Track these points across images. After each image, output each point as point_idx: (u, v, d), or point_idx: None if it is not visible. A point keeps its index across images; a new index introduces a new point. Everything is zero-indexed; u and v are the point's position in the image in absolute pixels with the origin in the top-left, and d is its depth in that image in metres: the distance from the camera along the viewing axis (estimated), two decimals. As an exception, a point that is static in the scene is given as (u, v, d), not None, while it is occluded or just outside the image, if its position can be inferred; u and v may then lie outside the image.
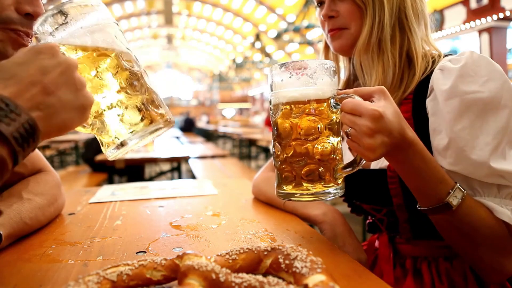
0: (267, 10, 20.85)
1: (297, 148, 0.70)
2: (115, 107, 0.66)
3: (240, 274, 0.45)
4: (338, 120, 0.72)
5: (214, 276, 0.45)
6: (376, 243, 1.03)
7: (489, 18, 9.67)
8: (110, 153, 0.68)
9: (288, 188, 0.73)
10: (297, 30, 11.98)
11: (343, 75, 1.09)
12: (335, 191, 0.72)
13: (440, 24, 11.26)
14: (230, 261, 0.52)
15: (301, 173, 0.70)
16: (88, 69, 0.64)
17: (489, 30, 9.84)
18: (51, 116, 0.51)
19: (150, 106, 0.68)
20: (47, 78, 0.52)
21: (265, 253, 0.53)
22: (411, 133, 0.69)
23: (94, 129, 0.67)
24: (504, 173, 0.74)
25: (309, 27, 11.00)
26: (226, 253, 0.54)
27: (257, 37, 18.41)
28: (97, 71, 0.65)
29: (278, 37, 13.30)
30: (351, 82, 1.07)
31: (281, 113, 0.72)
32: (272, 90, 0.74)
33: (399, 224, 0.93)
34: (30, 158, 0.95)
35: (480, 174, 0.76)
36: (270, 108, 0.75)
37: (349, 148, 0.80)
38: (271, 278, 0.44)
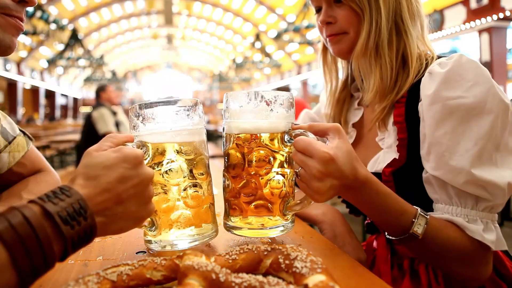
0: (267, 10, 20.84)
1: (247, 181, 0.69)
2: (171, 211, 0.68)
3: (240, 274, 0.45)
4: (291, 154, 0.70)
5: (214, 276, 0.45)
6: (374, 244, 1.03)
7: (489, 18, 9.67)
8: (153, 247, 0.69)
9: (235, 221, 0.72)
10: (297, 30, 11.99)
11: (341, 75, 1.09)
12: (283, 227, 0.71)
13: (440, 24, 11.26)
14: (230, 261, 0.52)
15: (250, 207, 0.70)
16: (160, 167, 0.67)
17: (489, 30, 9.83)
18: (111, 223, 0.54)
19: (203, 216, 0.70)
20: (121, 187, 0.55)
21: (265, 253, 0.53)
22: (364, 171, 0.68)
23: (144, 227, 0.68)
24: (485, 183, 0.73)
25: (309, 27, 11.01)
26: (226, 253, 0.54)
27: (257, 37, 18.41)
28: (167, 173, 0.67)
29: (278, 37, 13.30)
30: (349, 83, 1.07)
31: (232, 144, 0.70)
32: (225, 118, 0.72)
33: None
34: (30, 158, 0.95)
35: (458, 181, 0.74)
36: (223, 135, 0.73)
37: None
38: (271, 278, 0.44)
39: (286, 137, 0.69)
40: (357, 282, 0.57)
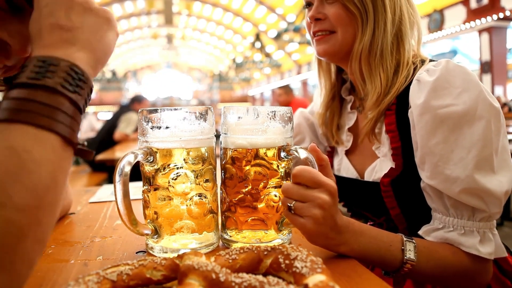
0: (267, 10, 20.83)
1: (243, 196, 0.69)
2: (175, 218, 0.67)
3: (240, 274, 0.45)
4: (287, 170, 0.71)
5: (214, 276, 0.45)
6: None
7: (489, 18, 9.67)
8: (154, 253, 0.69)
9: (231, 234, 0.72)
10: (297, 30, 11.99)
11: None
12: (281, 240, 0.71)
13: (440, 24, 11.26)
14: (230, 261, 0.52)
15: (246, 221, 0.70)
16: (166, 175, 0.67)
17: (489, 30, 9.83)
18: (90, 49, 0.51)
19: (207, 224, 0.69)
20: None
21: (265, 253, 0.53)
22: (343, 217, 0.67)
23: (146, 235, 0.68)
24: (482, 191, 0.72)
25: (309, 27, 11.02)
26: (226, 253, 0.54)
27: (257, 37, 18.40)
28: (173, 181, 0.67)
29: (278, 37, 13.31)
30: (339, 87, 1.07)
31: (229, 159, 0.71)
32: (222, 132, 0.73)
33: (398, 230, 0.92)
34: None
35: (454, 190, 0.74)
36: (221, 148, 0.74)
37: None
38: (271, 278, 0.44)
39: (283, 154, 0.69)
40: (357, 282, 0.57)
